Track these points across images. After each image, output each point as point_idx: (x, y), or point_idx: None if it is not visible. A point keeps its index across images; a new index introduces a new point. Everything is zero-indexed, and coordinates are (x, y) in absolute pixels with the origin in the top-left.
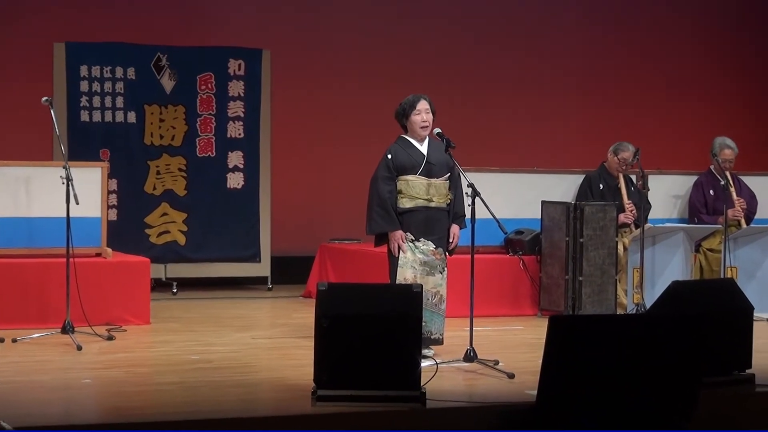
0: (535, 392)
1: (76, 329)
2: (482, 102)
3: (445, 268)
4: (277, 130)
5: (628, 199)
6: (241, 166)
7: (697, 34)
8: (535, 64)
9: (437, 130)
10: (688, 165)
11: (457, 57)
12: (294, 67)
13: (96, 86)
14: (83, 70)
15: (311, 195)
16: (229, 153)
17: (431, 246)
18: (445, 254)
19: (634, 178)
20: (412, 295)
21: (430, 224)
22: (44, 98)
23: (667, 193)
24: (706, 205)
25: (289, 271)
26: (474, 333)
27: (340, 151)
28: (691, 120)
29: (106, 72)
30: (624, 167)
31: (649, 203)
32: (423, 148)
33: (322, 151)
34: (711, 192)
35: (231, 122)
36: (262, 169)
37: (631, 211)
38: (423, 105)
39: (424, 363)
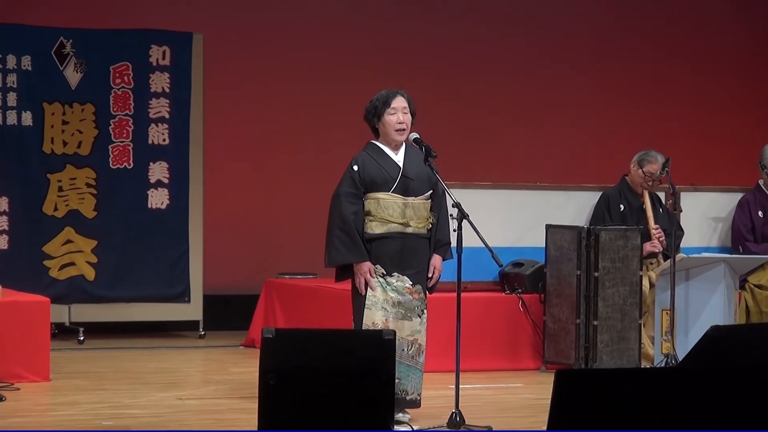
0: None
1: None
2: (471, 101)
3: (425, 311)
4: (212, 134)
5: (656, 222)
6: (166, 181)
7: (738, 18)
8: (537, 55)
9: (414, 135)
10: (730, 180)
11: (439, 46)
12: (233, 55)
13: None
14: None
15: (255, 217)
16: (151, 164)
17: (407, 282)
18: (425, 292)
19: (663, 196)
20: (383, 344)
21: (407, 254)
22: None
23: (704, 215)
24: (753, 231)
25: (227, 314)
26: (461, 392)
27: (293, 162)
28: (733, 124)
29: None
30: (650, 182)
31: (682, 228)
32: (398, 157)
33: (269, 162)
34: (760, 214)
35: (153, 125)
36: (192, 184)
37: (659, 237)
38: (399, 102)
39: (398, 429)
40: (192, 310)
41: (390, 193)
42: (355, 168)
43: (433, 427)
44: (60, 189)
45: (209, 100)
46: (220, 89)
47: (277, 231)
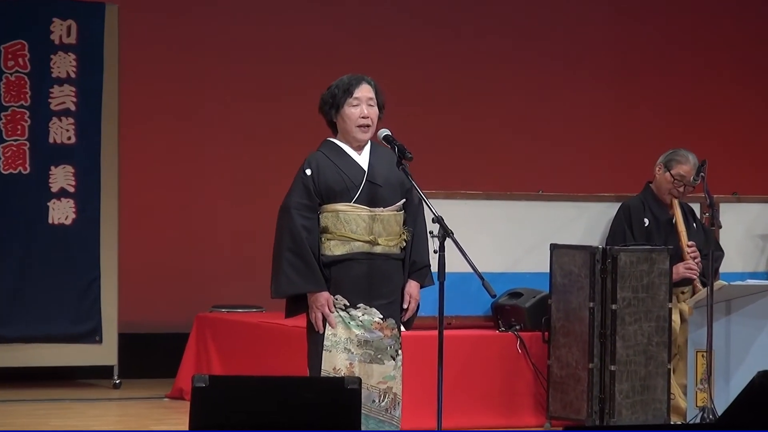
0: None
1: None
2: (457, 94)
3: (400, 352)
4: (130, 131)
5: (689, 240)
6: (72, 190)
7: None
8: (540, 35)
9: (384, 131)
10: None
11: (420, 29)
12: (156, 32)
13: None
14: None
15: (184, 236)
16: (53, 168)
17: (376, 316)
18: (399, 329)
19: (697, 208)
20: (346, 394)
21: (375, 281)
22: None
23: (749, 231)
24: None
25: (148, 358)
26: None
27: (232, 167)
28: None
29: None
30: (681, 189)
31: (721, 248)
32: (362, 158)
33: (202, 167)
34: None
35: (56, 119)
36: (104, 194)
37: (695, 258)
38: (364, 91)
39: None
40: (104, 353)
41: (352, 203)
42: (308, 172)
43: None
44: None
45: (126, 89)
46: (139, 75)
47: (212, 253)
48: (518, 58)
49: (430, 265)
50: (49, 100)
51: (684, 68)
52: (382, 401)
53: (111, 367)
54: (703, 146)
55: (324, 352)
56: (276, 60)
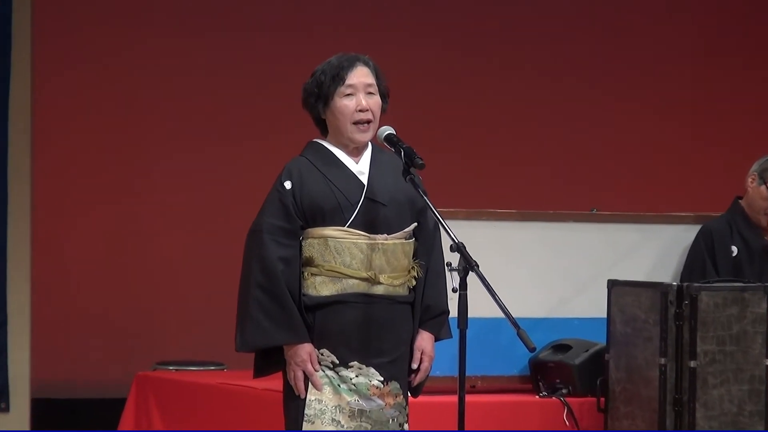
0: None
1: None
2: (483, 87)
3: (406, 426)
4: (46, 136)
5: None
6: None
7: None
8: (590, 7)
9: (386, 130)
10: None
11: (447, 30)
12: (81, 9)
13: None
14: None
15: (118, 270)
16: None
17: (374, 378)
18: (406, 396)
19: None
20: None
21: (374, 332)
22: None
23: None
24: None
25: (72, 430)
26: None
27: (181, 178)
28: None
29: None
30: None
31: None
32: (360, 167)
33: (141, 179)
34: None
35: None
36: (12, 217)
37: None
38: (360, 75)
39: None
40: (13, 423)
41: (346, 228)
42: (287, 185)
43: None
44: None
45: (41, 81)
46: (58, 64)
47: (156, 294)
48: (562, 36)
49: (448, 312)
50: None
51: None
52: None
53: None
54: None
55: (305, 423)
56: (243, 41)
